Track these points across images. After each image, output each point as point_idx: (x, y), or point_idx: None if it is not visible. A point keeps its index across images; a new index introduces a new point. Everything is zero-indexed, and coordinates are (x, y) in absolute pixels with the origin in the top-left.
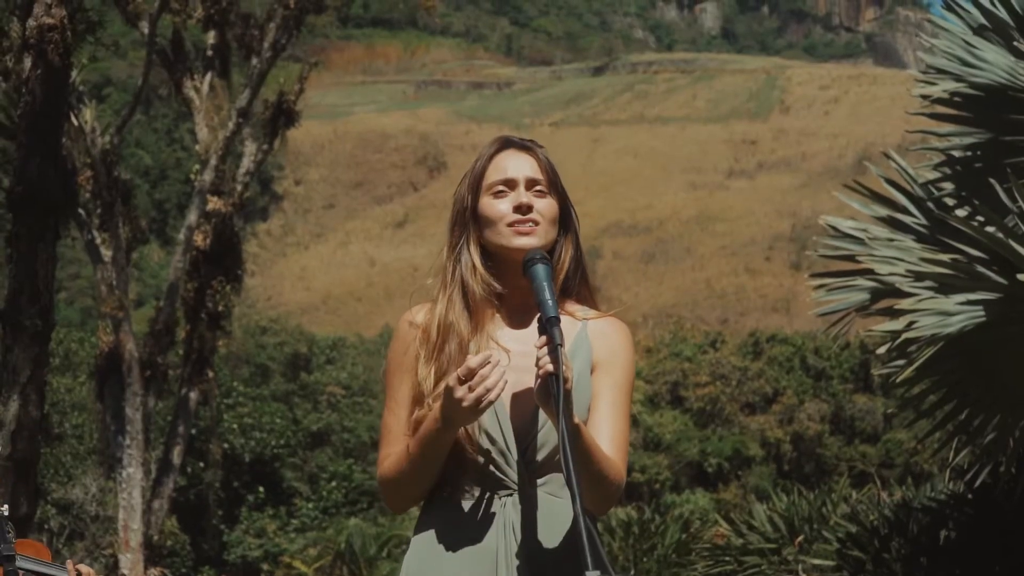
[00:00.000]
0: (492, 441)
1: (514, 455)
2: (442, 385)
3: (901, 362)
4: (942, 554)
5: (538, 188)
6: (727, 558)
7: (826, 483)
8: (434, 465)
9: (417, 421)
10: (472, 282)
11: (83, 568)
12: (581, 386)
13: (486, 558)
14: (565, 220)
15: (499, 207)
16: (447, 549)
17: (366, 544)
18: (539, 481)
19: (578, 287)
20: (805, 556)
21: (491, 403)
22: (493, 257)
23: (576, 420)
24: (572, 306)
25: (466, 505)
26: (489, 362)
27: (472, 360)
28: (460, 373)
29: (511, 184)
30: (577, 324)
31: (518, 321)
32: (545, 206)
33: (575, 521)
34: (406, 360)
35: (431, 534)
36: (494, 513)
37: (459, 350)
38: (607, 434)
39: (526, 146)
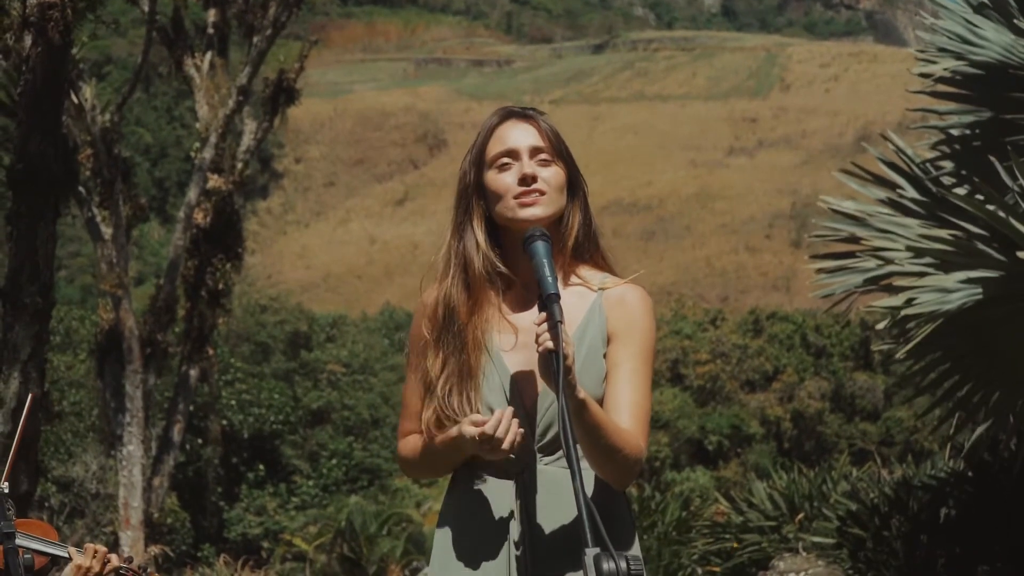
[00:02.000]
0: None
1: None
2: (445, 373)
3: (901, 339)
4: (942, 531)
5: (542, 157)
6: (727, 536)
7: (826, 461)
8: (449, 468)
9: (430, 424)
10: (476, 259)
11: (89, 546)
12: (593, 359)
13: (499, 535)
14: (572, 185)
15: (504, 179)
16: (463, 528)
17: (366, 522)
18: (551, 457)
19: (591, 252)
20: (805, 534)
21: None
22: (503, 232)
23: (582, 395)
24: (588, 272)
25: (480, 484)
26: (502, 420)
27: (488, 427)
28: (478, 439)
29: (514, 155)
30: (592, 294)
31: (527, 300)
32: (551, 174)
33: (580, 496)
34: (419, 339)
35: (450, 515)
36: (507, 490)
37: (457, 329)
38: (626, 405)
39: (527, 115)
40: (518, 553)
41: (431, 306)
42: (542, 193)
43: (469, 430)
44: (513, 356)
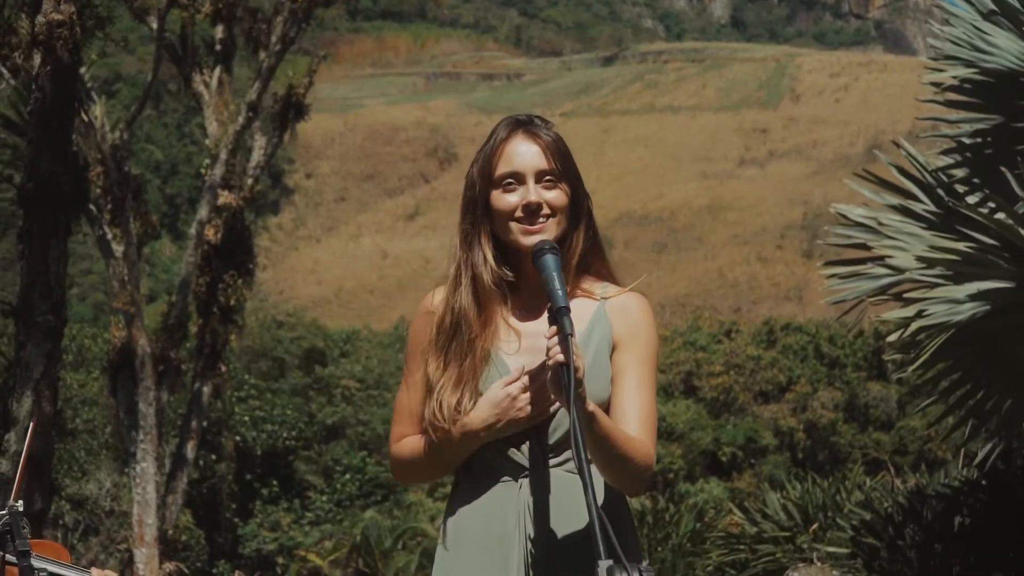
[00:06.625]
0: None
1: (528, 436)
2: (447, 375)
3: (913, 350)
4: (956, 540)
5: (548, 179)
6: (741, 547)
7: (840, 471)
8: (454, 465)
9: (433, 425)
10: (483, 271)
11: (96, 572)
12: (599, 366)
13: (504, 540)
14: (578, 204)
15: (509, 201)
16: (467, 533)
17: (381, 536)
18: (556, 460)
19: (595, 264)
20: (819, 544)
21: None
22: (504, 246)
23: (592, 407)
24: (591, 284)
25: (484, 489)
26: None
27: (516, 385)
28: (521, 385)
29: (519, 178)
30: (595, 303)
31: (530, 305)
32: (555, 197)
33: (592, 508)
34: (422, 343)
35: (454, 519)
36: (511, 495)
37: (468, 340)
38: (634, 413)
39: (534, 133)
40: (525, 557)
41: (439, 313)
42: (547, 217)
43: (516, 387)
44: (516, 360)
